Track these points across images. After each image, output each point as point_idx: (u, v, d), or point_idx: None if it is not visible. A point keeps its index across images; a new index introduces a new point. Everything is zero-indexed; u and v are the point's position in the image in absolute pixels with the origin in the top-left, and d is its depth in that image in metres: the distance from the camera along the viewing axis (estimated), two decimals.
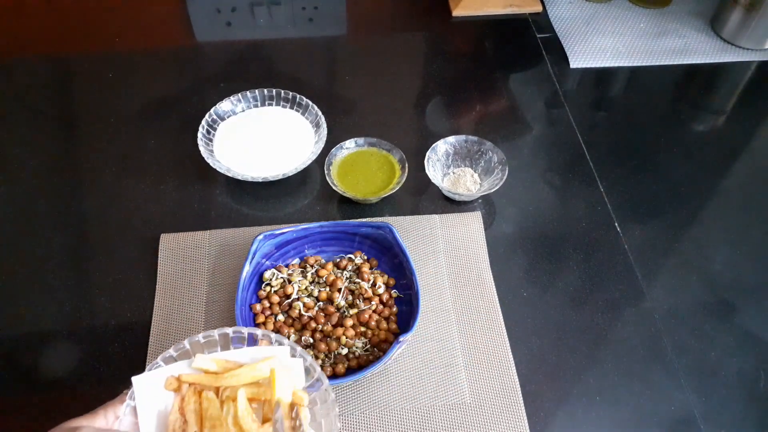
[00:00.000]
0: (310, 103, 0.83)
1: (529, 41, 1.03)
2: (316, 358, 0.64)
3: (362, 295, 0.68)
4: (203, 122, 0.80)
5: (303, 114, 0.84)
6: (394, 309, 0.68)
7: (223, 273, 0.71)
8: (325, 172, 0.77)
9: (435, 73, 0.97)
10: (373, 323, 0.66)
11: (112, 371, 0.64)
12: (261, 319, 0.66)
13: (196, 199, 0.79)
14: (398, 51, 1.01)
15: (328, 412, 0.50)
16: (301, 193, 0.80)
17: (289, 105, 0.85)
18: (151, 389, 0.49)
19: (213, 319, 0.67)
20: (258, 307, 0.66)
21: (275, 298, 0.67)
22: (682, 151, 0.87)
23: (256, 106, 0.85)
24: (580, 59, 0.99)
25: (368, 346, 0.65)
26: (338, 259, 0.71)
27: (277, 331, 0.65)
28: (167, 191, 0.80)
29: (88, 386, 0.63)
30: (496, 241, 0.76)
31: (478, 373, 0.64)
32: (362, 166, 0.79)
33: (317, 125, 0.82)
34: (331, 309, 0.66)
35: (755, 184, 0.84)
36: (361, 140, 0.80)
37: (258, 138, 0.81)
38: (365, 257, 0.72)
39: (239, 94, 0.83)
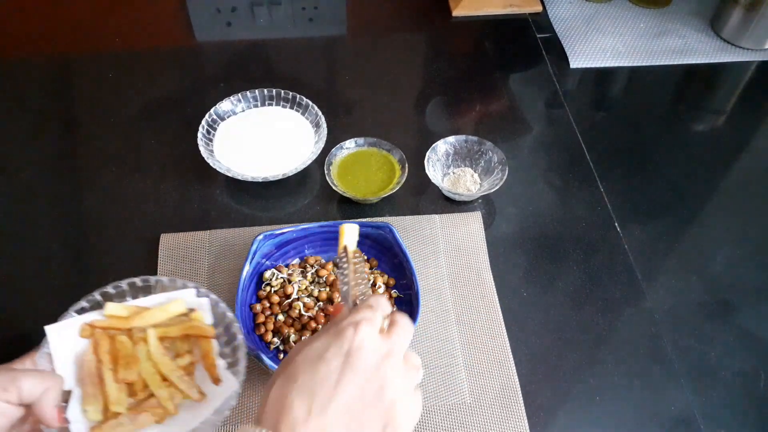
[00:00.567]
0: (310, 103, 0.83)
1: (529, 41, 1.03)
2: None
3: None
4: (203, 122, 0.80)
5: (303, 114, 0.84)
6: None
7: (223, 273, 0.71)
8: (325, 172, 0.77)
9: (435, 73, 0.97)
10: None
11: None
12: (261, 319, 0.66)
13: (196, 199, 0.79)
14: (398, 51, 1.01)
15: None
16: (301, 193, 0.80)
17: (289, 105, 0.85)
18: (66, 338, 0.52)
19: None
20: (258, 307, 0.66)
21: (275, 298, 0.67)
22: (682, 151, 0.87)
23: (256, 106, 0.85)
24: (580, 59, 0.99)
25: None
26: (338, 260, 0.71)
27: (277, 331, 0.65)
28: (167, 191, 0.80)
29: None
30: (496, 241, 0.76)
31: (478, 373, 0.64)
32: (362, 166, 0.79)
33: (317, 125, 0.82)
34: (332, 309, 0.66)
35: (755, 184, 0.84)
36: (361, 140, 0.80)
37: (258, 138, 0.81)
38: (365, 257, 0.72)
39: (239, 94, 0.83)
